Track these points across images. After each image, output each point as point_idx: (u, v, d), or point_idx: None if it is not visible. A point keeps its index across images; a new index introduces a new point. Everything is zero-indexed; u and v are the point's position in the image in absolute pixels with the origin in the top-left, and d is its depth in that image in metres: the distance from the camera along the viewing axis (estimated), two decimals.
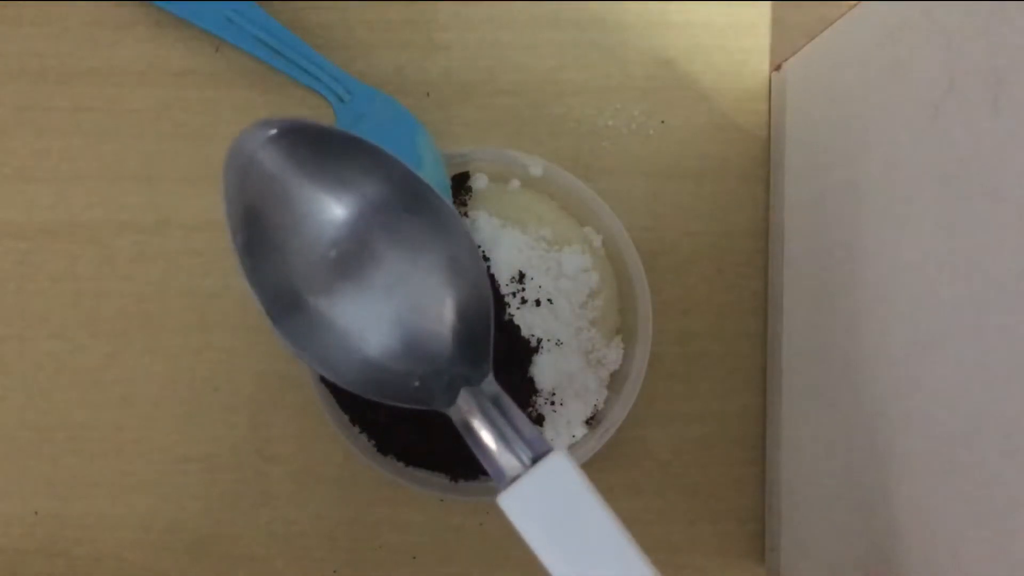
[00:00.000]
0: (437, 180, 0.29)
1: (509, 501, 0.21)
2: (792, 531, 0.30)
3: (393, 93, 0.31)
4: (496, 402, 0.22)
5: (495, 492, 0.30)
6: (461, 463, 0.30)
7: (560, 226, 0.31)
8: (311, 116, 0.31)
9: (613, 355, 0.31)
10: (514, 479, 0.21)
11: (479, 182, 0.31)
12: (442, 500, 0.32)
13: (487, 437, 0.22)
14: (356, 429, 0.30)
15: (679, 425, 0.32)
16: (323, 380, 0.30)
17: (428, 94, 0.32)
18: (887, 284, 0.23)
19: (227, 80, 0.32)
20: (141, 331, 0.32)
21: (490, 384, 0.23)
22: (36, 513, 0.32)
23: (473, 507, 0.32)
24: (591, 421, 0.30)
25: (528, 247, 0.30)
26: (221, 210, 0.32)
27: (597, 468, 0.31)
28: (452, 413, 0.23)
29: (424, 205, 0.24)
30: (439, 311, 0.24)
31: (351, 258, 0.24)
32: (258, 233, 0.23)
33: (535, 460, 0.21)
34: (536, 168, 0.31)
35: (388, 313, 0.24)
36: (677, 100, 0.33)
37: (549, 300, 0.29)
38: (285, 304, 0.23)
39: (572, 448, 0.30)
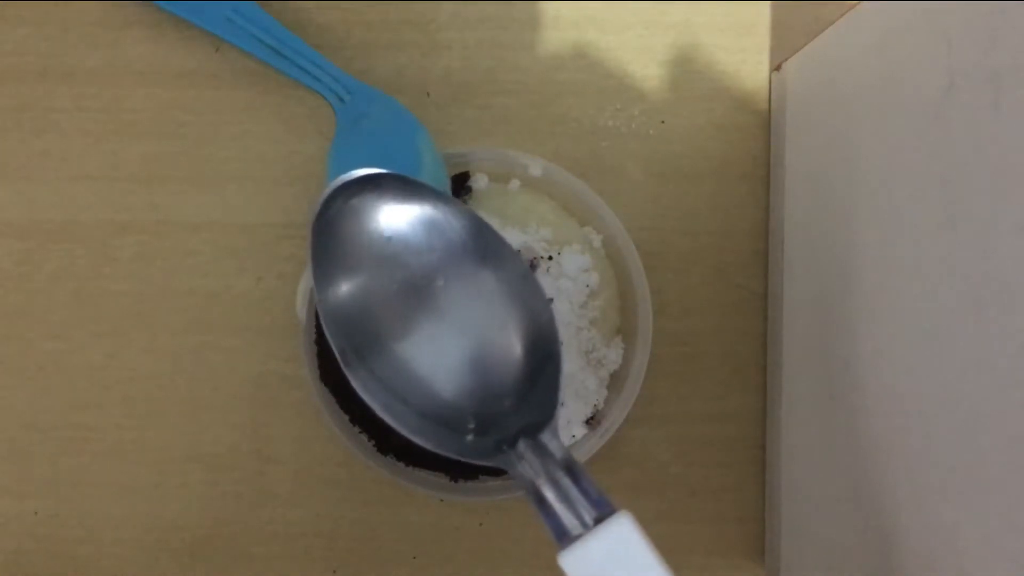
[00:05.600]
0: (437, 180, 0.29)
1: (570, 560, 0.20)
2: (792, 531, 0.30)
3: (393, 93, 0.31)
4: (566, 466, 0.22)
5: (495, 492, 0.30)
6: (461, 463, 0.30)
7: (560, 226, 0.31)
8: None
9: (613, 355, 0.31)
10: (576, 538, 0.21)
11: (479, 182, 0.31)
12: (442, 500, 0.32)
13: (551, 498, 0.21)
14: (356, 429, 0.30)
15: (679, 425, 0.32)
16: (323, 380, 0.30)
17: (428, 94, 0.32)
18: (887, 284, 0.23)
19: (227, 80, 0.32)
20: (141, 331, 0.32)
21: (560, 450, 0.22)
22: (36, 513, 0.32)
23: (473, 507, 0.32)
24: (591, 421, 0.30)
25: (528, 247, 0.30)
26: (222, 211, 0.32)
27: (597, 468, 0.31)
28: (518, 471, 0.22)
29: (494, 255, 0.24)
30: (505, 362, 0.24)
31: (422, 304, 0.24)
32: (336, 278, 0.23)
33: (598, 520, 0.21)
34: (536, 168, 0.31)
35: (454, 362, 0.24)
36: (677, 100, 0.33)
37: (549, 300, 0.29)
38: (355, 346, 0.23)
39: (572, 448, 0.30)
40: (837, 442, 0.26)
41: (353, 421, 0.30)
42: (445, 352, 0.24)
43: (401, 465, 0.30)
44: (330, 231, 0.23)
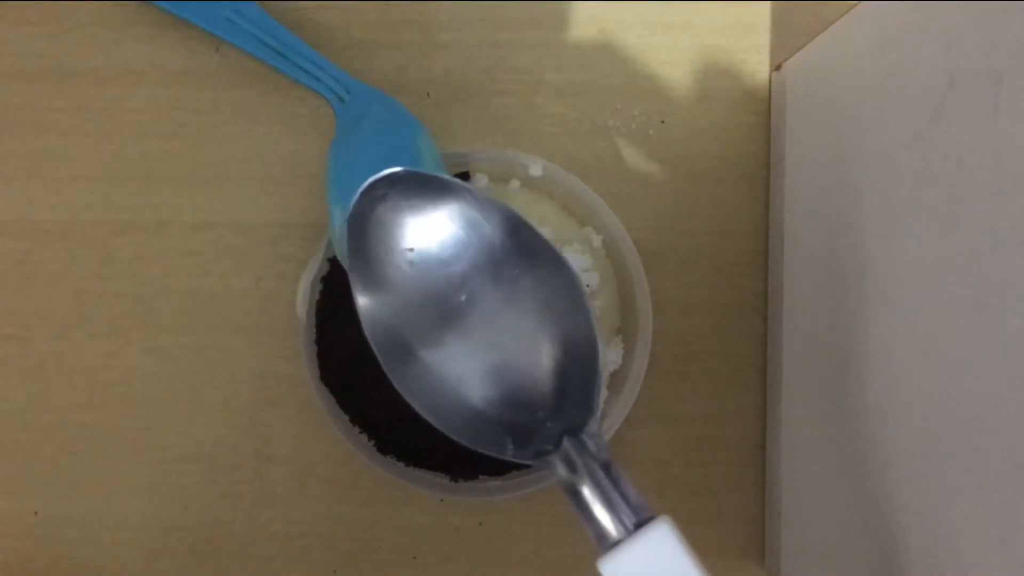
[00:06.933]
0: None
1: (610, 566, 0.20)
2: (792, 531, 0.30)
3: (393, 93, 0.31)
4: (606, 468, 0.22)
5: (495, 492, 0.30)
6: (461, 463, 0.30)
7: (560, 226, 0.31)
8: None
9: (613, 355, 0.31)
10: (615, 543, 0.21)
11: (479, 182, 0.31)
12: (442, 500, 0.32)
13: (592, 500, 0.21)
14: (356, 429, 0.30)
15: (679, 425, 0.32)
16: (323, 380, 0.30)
17: (428, 94, 0.32)
18: (887, 284, 0.23)
19: (227, 80, 0.32)
20: (141, 331, 0.32)
21: (602, 451, 0.22)
22: (36, 513, 0.32)
23: (473, 507, 0.32)
24: None
25: None
26: (222, 211, 0.32)
27: None
28: (558, 472, 0.22)
29: (534, 253, 0.23)
30: (545, 361, 0.24)
31: (461, 304, 0.24)
32: (374, 278, 0.23)
33: (638, 525, 0.21)
34: (536, 168, 0.31)
35: (495, 361, 0.24)
36: (677, 100, 0.33)
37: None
38: (397, 349, 0.23)
39: None
40: (837, 442, 0.26)
41: (353, 421, 0.30)
42: (485, 363, 0.24)
43: (401, 465, 0.30)
44: (366, 236, 0.23)
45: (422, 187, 0.23)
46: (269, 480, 0.32)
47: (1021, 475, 0.17)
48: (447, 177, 0.23)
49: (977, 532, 0.19)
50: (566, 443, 0.22)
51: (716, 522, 0.32)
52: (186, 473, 0.32)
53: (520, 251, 0.23)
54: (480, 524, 0.32)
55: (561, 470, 0.22)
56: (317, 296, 0.30)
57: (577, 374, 0.23)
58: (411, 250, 0.23)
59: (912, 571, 0.22)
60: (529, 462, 0.23)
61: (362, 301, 0.23)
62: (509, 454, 0.23)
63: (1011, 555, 0.18)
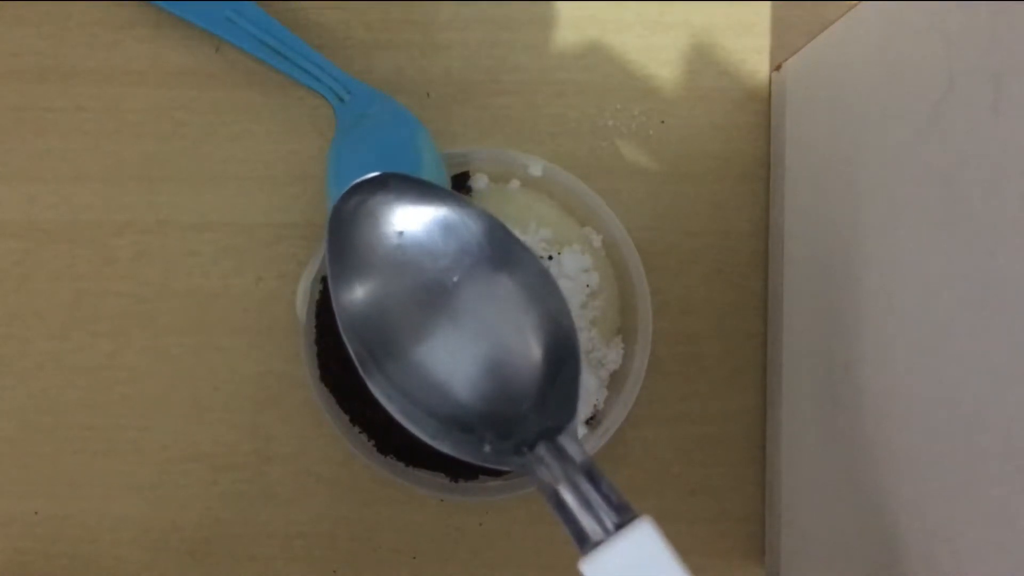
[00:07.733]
0: (437, 180, 0.29)
1: (591, 567, 0.20)
2: (792, 531, 0.30)
3: (393, 93, 0.31)
4: (586, 470, 0.22)
5: (495, 492, 0.30)
6: (461, 463, 0.30)
7: (560, 226, 0.31)
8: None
9: (613, 355, 0.31)
10: (597, 544, 0.20)
11: (479, 182, 0.31)
12: (442, 500, 0.32)
13: (571, 504, 0.21)
14: (356, 429, 0.30)
15: (679, 425, 0.32)
16: (323, 380, 0.30)
17: (428, 94, 0.32)
18: (887, 284, 0.23)
19: (227, 80, 0.32)
20: (141, 331, 0.32)
21: (581, 454, 0.22)
22: (36, 513, 0.32)
23: (473, 507, 0.32)
24: (591, 421, 0.30)
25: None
26: (222, 211, 0.32)
27: None
28: (537, 476, 0.22)
29: (511, 257, 0.24)
30: (523, 365, 0.24)
31: (439, 309, 0.24)
32: (352, 283, 0.23)
33: (619, 526, 0.21)
34: (536, 168, 0.31)
35: (471, 367, 0.24)
36: (677, 100, 0.33)
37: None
38: (373, 352, 0.23)
39: None
40: (837, 442, 0.26)
41: (353, 421, 0.30)
42: (462, 356, 0.24)
43: (401, 465, 0.30)
44: (345, 235, 0.23)
45: (403, 190, 0.23)
46: (269, 480, 0.32)
47: (1021, 475, 0.17)
48: (430, 181, 0.23)
49: (977, 532, 0.19)
50: (544, 448, 0.22)
51: (716, 522, 0.32)
52: (186, 473, 0.32)
53: (501, 257, 0.24)
54: (480, 524, 0.32)
55: (539, 474, 0.22)
56: (317, 296, 0.30)
57: (558, 377, 0.23)
58: (400, 234, 0.24)
59: (912, 571, 0.22)
60: (505, 467, 0.23)
61: (340, 299, 0.23)
62: (487, 451, 0.23)
63: (1011, 555, 0.18)
